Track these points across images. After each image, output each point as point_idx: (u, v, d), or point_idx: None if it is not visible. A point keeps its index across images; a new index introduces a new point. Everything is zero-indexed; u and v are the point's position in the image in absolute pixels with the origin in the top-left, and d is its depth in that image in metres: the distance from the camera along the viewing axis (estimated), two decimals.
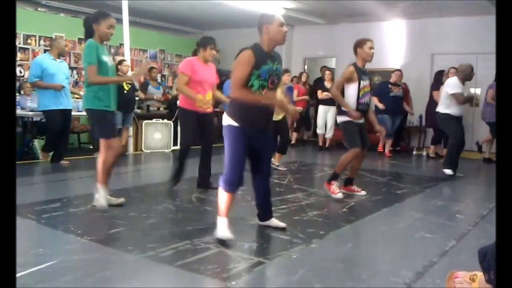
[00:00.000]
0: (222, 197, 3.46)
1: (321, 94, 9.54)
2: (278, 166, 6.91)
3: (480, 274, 2.33)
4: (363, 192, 5.23)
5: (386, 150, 9.07)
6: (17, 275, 2.66)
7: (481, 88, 9.46)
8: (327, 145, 9.83)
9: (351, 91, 4.91)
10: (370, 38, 4.95)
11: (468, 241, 3.69)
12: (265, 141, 3.57)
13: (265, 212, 3.84)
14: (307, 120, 10.75)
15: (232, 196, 3.47)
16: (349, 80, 4.88)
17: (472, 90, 9.38)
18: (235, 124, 3.37)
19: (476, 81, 9.45)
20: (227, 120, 3.42)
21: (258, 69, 3.28)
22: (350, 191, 5.23)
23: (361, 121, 5.01)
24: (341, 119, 5.02)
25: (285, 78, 6.55)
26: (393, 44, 10.52)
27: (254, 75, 3.28)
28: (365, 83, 4.91)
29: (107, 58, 4.26)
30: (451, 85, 6.56)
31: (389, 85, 8.90)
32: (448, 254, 3.35)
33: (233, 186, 3.42)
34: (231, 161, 3.38)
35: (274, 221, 3.84)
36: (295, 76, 10.77)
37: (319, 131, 9.76)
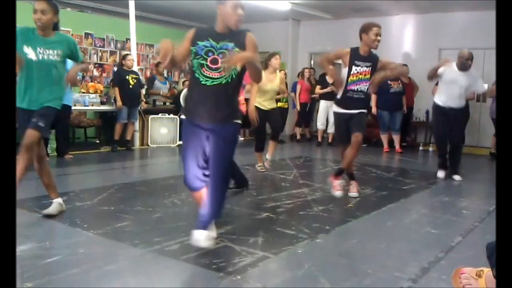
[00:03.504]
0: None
1: (318, 90, 9.54)
2: (267, 160, 6.34)
3: (486, 270, 2.32)
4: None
5: (397, 146, 9.03)
6: (24, 268, 2.68)
7: (489, 83, 9.39)
8: (329, 140, 9.81)
9: (342, 75, 4.69)
10: (378, 24, 4.59)
11: (474, 237, 3.68)
12: (216, 140, 3.01)
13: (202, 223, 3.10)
14: (308, 116, 10.72)
15: (195, 195, 3.18)
16: (342, 61, 4.65)
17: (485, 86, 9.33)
18: (183, 116, 3.16)
19: (484, 76, 9.40)
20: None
21: (194, 45, 3.00)
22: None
23: (352, 111, 4.68)
24: (333, 109, 4.96)
25: (275, 62, 5.97)
26: (401, 39, 10.45)
27: (193, 54, 3.00)
28: (360, 69, 4.58)
29: (41, 51, 3.57)
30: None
31: (388, 81, 8.85)
32: (454, 250, 3.34)
33: (187, 185, 3.14)
34: (182, 159, 3.12)
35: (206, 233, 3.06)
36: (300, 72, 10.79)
37: (320, 126, 9.73)
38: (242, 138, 10.39)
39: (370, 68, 4.61)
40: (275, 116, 6.28)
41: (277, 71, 6.14)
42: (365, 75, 4.61)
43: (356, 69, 4.58)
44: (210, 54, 2.96)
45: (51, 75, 3.61)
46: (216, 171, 3.01)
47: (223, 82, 2.96)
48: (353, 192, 4.92)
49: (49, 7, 3.57)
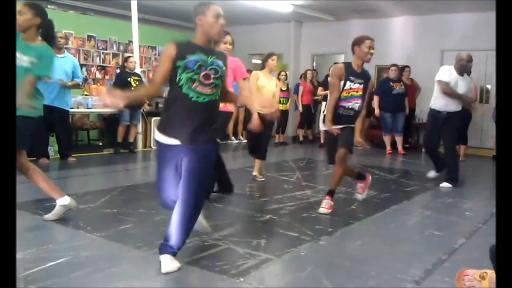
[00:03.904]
0: None
1: (321, 91, 9.53)
2: (255, 176, 5.91)
3: (490, 272, 2.32)
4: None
5: (399, 148, 9.03)
6: (28, 271, 2.69)
7: (491, 84, 9.39)
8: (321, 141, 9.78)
9: None
10: (371, 37, 4.37)
11: (477, 238, 3.67)
12: (192, 159, 2.80)
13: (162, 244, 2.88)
14: (310, 117, 10.70)
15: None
16: (340, 78, 4.37)
17: (488, 87, 9.33)
18: (161, 139, 2.86)
19: (486, 77, 9.40)
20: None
21: (183, 59, 2.73)
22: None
23: (340, 126, 4.45)
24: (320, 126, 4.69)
25: (271, 63, 5.72)
26: (403, 41, 10.45)
27: (180, 68, 2.73)
28: (353, 85, 4.34)
29: (19, 56, 3.44)
30: (440, 71, 5.75)
31: (391, 83, 8.88)
32: (457, 251, 3.33)
33: (165, 206, 3.06)
34: (158, 180, 2.94)
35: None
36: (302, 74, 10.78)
37: (322, 128, 9.70)
38: (246, 140, 10.39)
39: (363, 85, 4.38)
40: (266, 128, 5.70)
41: (273, 76, 5.85)
42: (357, 92, 4.37)
43: (349, 85, 4.35)
44: (202, 69, 2.76)
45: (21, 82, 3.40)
46: (190, 189, 2.78)
47: (214, 99, 2.83)
48: (359, 194, 4.75)
49: (26, 8, 3.47)
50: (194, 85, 2.74)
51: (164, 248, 2.83)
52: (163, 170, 2.90)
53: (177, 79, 2.74)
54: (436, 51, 10.04)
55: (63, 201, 3.77)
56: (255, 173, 5.90)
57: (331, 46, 11.54)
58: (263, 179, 5.83)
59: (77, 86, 7.06)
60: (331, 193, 4.45)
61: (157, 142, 2.92)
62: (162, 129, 2.85)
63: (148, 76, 10.47)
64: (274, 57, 5.78)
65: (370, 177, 4.81)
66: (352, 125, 4.48)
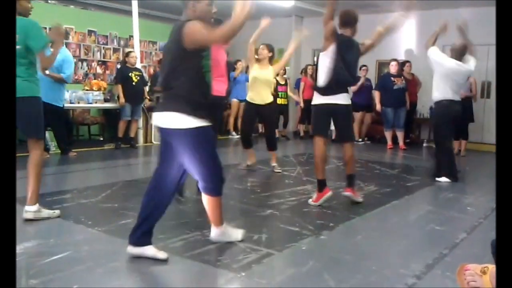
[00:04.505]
0: (216, 204, 3.06)
1: None
2: (274, 166, 6.12)
3: (491, 267, 2.31)
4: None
5: (400, 143, 9.02)
6: (29, 265, 2.69)
7: (492, 80, 9.36)
8: (332, 137, 9.78)
9: None
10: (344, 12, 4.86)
11: (479, 233, 3.67)
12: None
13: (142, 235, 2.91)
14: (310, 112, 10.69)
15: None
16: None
17: (490, 81, 9.30)
18: (200, 124, 2.74)
19: (488, 72, 9.37)
20: (185, 122, 2.72)
21: (208, 48, 2.78)
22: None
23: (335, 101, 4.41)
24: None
25: (260, 52, 5.90)
26: (404, 35, 10.41)
27: (206, 54, 2.73)
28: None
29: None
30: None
31: (392, 78, 8.87)
32: (458, 246, 3.33)
33: (223, 181, 3.06)
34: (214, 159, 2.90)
35: (151, 250, 2.89)
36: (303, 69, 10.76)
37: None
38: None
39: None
40: (270, 117, 6.03)
41: (269, 64, 5.98)
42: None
43: None
44: None
45: None
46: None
47: None
48: (310, 199, 4.48)
49: None
50: (211, 74, 2.78)
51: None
52: (214, 154, 2.89)
53: (202, 64, 2.71)
54: (437, 46, 9.99)
55: (25, 209, 3.61)
56: (274, 163, 6.11)
57: None
58: (279, 171, 6.03)
59: (60, 80, 6.53)
60: (318, 183, 4.36)
61: (199, 128, 2.74)
62: (195, 113, 2.72)
63: (149, 71, 10.45)
64: (262, 46, 5.96)
65: (328, 194, 4.33)
66: (313, 102, 4.52)
